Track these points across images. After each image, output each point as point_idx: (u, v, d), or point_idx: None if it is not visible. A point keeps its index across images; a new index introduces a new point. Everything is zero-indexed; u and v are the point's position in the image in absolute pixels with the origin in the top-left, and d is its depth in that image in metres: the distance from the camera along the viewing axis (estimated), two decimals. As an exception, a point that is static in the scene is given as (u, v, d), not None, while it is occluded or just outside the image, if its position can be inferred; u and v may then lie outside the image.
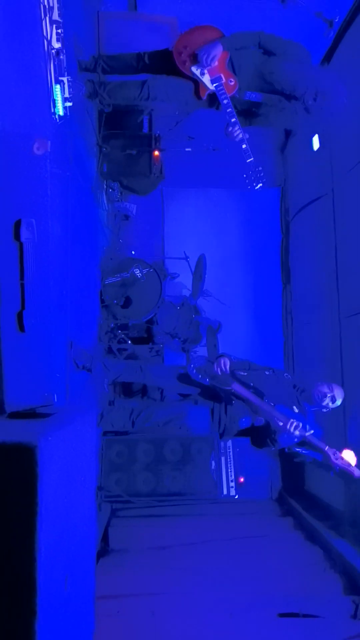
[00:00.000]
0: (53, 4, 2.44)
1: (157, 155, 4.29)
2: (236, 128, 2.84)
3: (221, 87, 2.89)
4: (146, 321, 4.36)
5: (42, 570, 1.23)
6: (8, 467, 1.25)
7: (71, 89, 2.64)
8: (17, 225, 1.73)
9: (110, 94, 3.19)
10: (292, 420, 2.76)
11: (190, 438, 4.20)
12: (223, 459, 4.30)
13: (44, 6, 2.39)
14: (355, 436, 3.67)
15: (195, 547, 3.64)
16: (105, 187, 4.45)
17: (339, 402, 2.96)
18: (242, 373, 3.07)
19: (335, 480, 3.72)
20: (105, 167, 4.19)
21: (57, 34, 2.49)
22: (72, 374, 3.04)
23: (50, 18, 2.43)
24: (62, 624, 1.42)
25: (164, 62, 3.05)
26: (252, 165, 2.88)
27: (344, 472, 2.75)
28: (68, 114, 2.68)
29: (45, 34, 2.43)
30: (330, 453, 2.73)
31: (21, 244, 1.73)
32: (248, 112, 3.13)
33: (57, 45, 2.51)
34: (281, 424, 2.80)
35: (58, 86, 2.57)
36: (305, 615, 2.88)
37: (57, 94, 2.58)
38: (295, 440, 2.79)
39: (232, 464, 4.29)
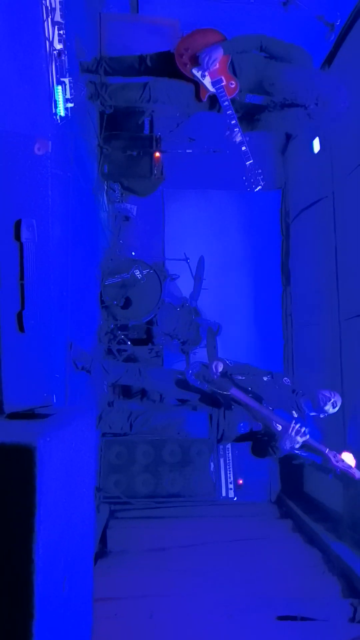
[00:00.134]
0: (55, 5, 2.44)
1: (157, 157, 4.30)
2: (236, 130, 2.85)
3: (222, 90, 2.90)
4: (146, 322, 4.36)
5: (40, 571, 1.22)
6: (6, 467, 1.24)
7: (72, 90, 2.65)
8: (18, 225, 1.73)
9: (111, 96, 3.20)
10: (291, 424, 2.76)
11: (189, 440, 4.20)
12: (222, 460, 4.29)
13: (46, 7, 2.40)
14: (354, 438, 3.66)
15: (193, 549, 3.63)
16: (105, 188, 4.46)
17: (337, 408, 2.98)
18: (241, 377, 3.07)
19: (334, 483, 3.72)
20: (106, 168, 4.19)
21: (59, 35, 2.49)
22: (72, 374, 3.04)
23: (52, 19, 2.43)
24: (59, 626, 1.42)
25: (165, 65, 3.06)
26: (252, 167, 2.88)
27: (344, 474, 2.74)
28: (69, 114, 2.68)
29: (47, 35, 2.44)
30: (331, 455, 2.73)
31: (21, 244, 1.73)
32: (250, 117, 3.14)
33: (58, 46, 2.51)
34: (280, 428, 2.79)
35: (59, 87, 2.57)
36: (303, 618, 2.87)
37: (58, 95, 2.58)
38: (296, 445, 2.78)
39: (231, 466, 4.29)
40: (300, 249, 5.16)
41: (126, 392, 4.66)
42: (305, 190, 4.95)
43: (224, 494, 4.24)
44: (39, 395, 1.94)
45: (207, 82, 2.93)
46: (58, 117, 2.63)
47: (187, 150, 4.44)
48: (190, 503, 4.19)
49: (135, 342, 4.37)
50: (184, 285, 4.99)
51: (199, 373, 3.14)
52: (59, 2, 2.45)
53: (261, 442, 2.99)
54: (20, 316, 1.79)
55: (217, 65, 2.89)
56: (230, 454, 4.31)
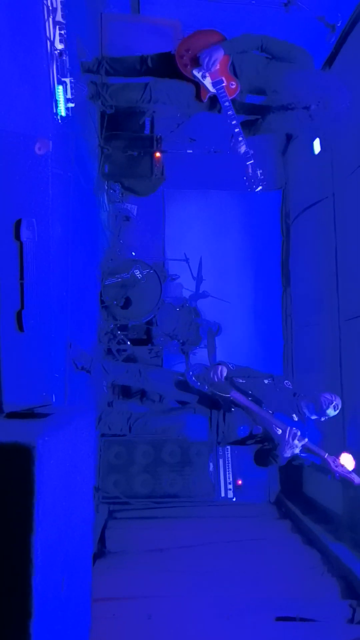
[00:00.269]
0: (56, 5, 2.44)
1: (158, 157, 4.30)
2: (236, 130, 2.85)
3: (222, 90, 2.90)
4: (146, 322, 4.36)
5: (39, 571, 1.22)
6: (5, 467, 1.24)
7: (73, 90, 2.65)
8: (18, 224, 1.73)
9: (112, 96, 3.20)
10: (291, 428, 2.75)
11: (189, 441, 4.19)
12: (221, 461, 4.29)
13: (48, 7, 2.40)
14: (353, 440, 3.66)
15: (192, 550, 3.63)
16: (106, 188, 4.46)
17: (338, 410, 2.98)
18: (241, 381, 3.06)
19: (333, 484, 3.71)
20: (107, 168, 4.19)
21: (60, 35, 2.49)
22: (71, 374, 3.04)
23: (53, 19, 2.43)
24: (58, 626, 1.41)
25: (166, 65, 3.06)
26: (253, 167, 2.88)
27: (344, 478, 2.74)
28: (70, 114, 2.68)
29: (48, 34, 2.44)
30: (330, 460, 2.72)
31: (21, 244, 1.73)
32: (251, 122, 3.14)
33: (60, 46, 2.51)
34: (280, 432, 2.79)
35: (60, 87, 2.58)
36: (302, 619, 2.87)
37: (59, 95, 2.58)
38: (295, 450, 2.78)
39: (230, 467, 4.29)
40: (301, 250, 5.16)
41: (126, 392, 4.66)
42: (305, 191, 4.95)
43: (223, 494, 4.23)
44: (38, 394, 1.94)
45: (207, 82, 2.93)
46: (59, 117, 2.63)
47: (188, 151, 4.44)
48: (189, 503, 4.19)
49: (135, 342, 4.37)
50: (184, 286, 4.99)
51: (200, 375, 3.13)
52: (60, 2, 2.45)
53: (263, 451, 2.99)
54: (19, 315, 1.79)
55: (218, 66, 2.89)
56: (229, 455, 4.31)
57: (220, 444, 3.22)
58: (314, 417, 3.01)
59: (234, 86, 2.92)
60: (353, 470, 2.91)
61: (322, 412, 2.95)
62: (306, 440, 2.75)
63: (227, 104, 2.90)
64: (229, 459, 4.30)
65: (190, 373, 3.15)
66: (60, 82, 2.57)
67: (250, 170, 2.88)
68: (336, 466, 2.71)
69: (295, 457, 2.94)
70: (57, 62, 2.54)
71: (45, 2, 2.38)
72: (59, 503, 1.42)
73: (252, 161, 2.87)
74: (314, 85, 2.86)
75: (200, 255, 4.63)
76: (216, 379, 3.00)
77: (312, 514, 4.10)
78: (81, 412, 1.90)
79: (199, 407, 3.22)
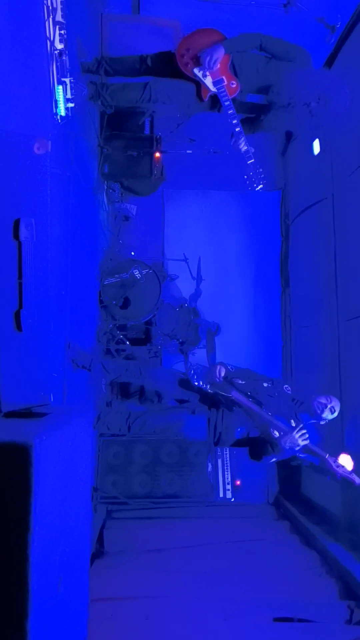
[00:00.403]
0: (56, 5, 2.45)
1: (158, 157, 4.30)
2: (237, 129, 2.85)
3: (223, 89, 2.91)
4: (145, 322, 4.36)
5: (35, 571, 1.22)
6: (2, 466, 1.24)
7: (73, 90, 2.65)
8: (16, 224, 1.73)
9: (112, 96, 3.20)
10: (292, 428, 2.75)
11: (187, 440, 4.19)
12: (220, 461, 4.29)
13: (48, 7, 2.40)
14: (352, 440, 3.66)
15: (191, 550, 3.63)
16: (105, 187, 4.46)
17: (336, 413, 2.96)
18: (241, 382, 3.06)
19: (331, 485, 3.72)
20: (106, 168, 4.20)
21: (60, 35, 2.49)
22: (70, 374, 3.04)
23: (53, 19, 2.44)
24: (54, 626, 1.41)
25: (166, 65, 3.06)
26: (253, 166, 2.88)
27: (344, 479, 2.74)
28: (70, 114, 2.68)
29: (48, 34, 2.44)
30: (331, 461, 2.72)
31: (20, 243, 1.73)
32: (250, 117, 3.14)
33: (60, 46, 2.51)
34: (277, 434, 2.78)
35: (60, 87, 2.58)
36: (300, 620, 2.87)
37: (59, 95, 2.58)
38: (296, 446, 2.77)
39: (228, 467, 4.29)
40: (300, 250, 5.16)
41: (124, 392, 4.66)
42: (305, 192, 4.96)
43: (221, 495, 4.23)
44: (36, 394, 1.94)
45: (208, 82, 2.93)
46: (58, 117, 2.64)
47: (187, 151, 4.45)
48: (187, 504, 4.19)
49: (134, 342, 4.37)
50: (183, 286, 4.99)
51: (201, 374, 3.14)
52: (60, 2, 2.45)
53: (259, 442, 2.98)
54: (18, 315, 1.79)
55: (218, 65, 2.89)
56: (228, 455, 4.31)
57: (218, 445, 3.22)
58: (312, 421, 2.99)
59: (234, 85, 2.92)
60: (352, 471, 2.91)
61: (317, 417, 2.93)
62: (308, 441, 2.75)
63: (227, 103, 2.90)
64: (228, 459, 4.30)
65: (192, 372, 3.16)
66: (60, 82, 2.57)
67: (250, 169, 2.88)
68: (337, 467, 2.71)
69: (294, 457, 2.94)
70: (57, 62, 2.54)
71: (45, 2, 2.38)
72: (56, 502, 1.42)
73: (252, 160, 2.87)
74: (313, 83, 2.87)
75: (199, 255, 4.63)
76: (215, 379, 3.01)
77: (311, 515, 4.10)
78: (79, 411, 1.90)
79: (199, 406, 3.22)
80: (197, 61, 2.90)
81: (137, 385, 4.35)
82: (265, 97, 2.99)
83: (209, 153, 4.37)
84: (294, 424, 2.92)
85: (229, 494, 4.25)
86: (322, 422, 3.00)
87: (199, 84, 2.98)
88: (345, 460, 2.84)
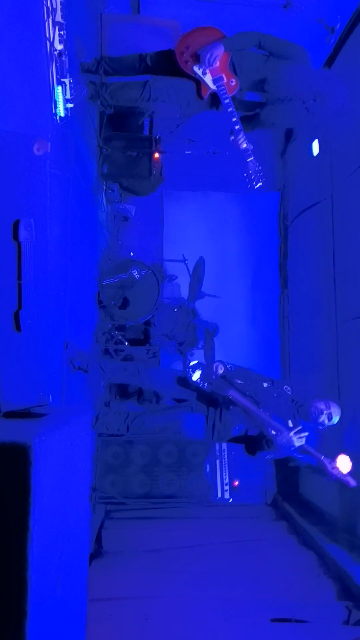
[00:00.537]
0: (56, 5, 2.45)
1: (157, 158, 4.30)
2: (237, 127, 2.86)
3: (222, 87, 2.91)
4: (143, 323, 4.36)
5: (35, 570, 1.22)
6: (2, 466, 1.24)
7: (73, 91, 2.65)
8: (16, 225, 1.73)
9: (112, 95, 3.20)
10: (285, 430, 2.74)
11: (186, 441, 4.20)
12: (218, 462, 4.29)
13: (47, 7, 2.40)
14: (350, 441, 3.67)
15: (189, 550, 3.63)
16: (105, 188, 4.46)
17: (335, 419, 2.93)
18: (240, 382, 3.06)
19: (329, 486, 3.72)
20: (106, 168, 4.20)
21: (59, 35, 2.49)
22: (68, 374, 3.04)
23: (53, 19, 2.44)
24: (53, 625, 1.41)
25: (165, 64, 3.06)
26: (253, 164, 2.89)
27: (340, 481, 2.74)
28: (69, 115, 2.68)
29: (48, 35, 2.44)
30: (327, 463, 2.71)
31: (19, 244, 1.73)
32: (249, 115, 3.15)
33: (59, 46, 2.51)
34: (274, 433, 2.78)
35: (60, 87, 2.58)
36: (298, 621, 2.87)
37: (58, 95, 2.58)
38: (292, 445, 2.77)
39: (227, 468, 4.29)
40: (299, 251, 5.17)
41: (123, 392, 4.66)
42: (303, 193, 4.97)
43: (219, 495, 4.24)
44: (35, 394, 1.94)
45: (208, 79, 2.94)
46: (58, 118, 2.64)
47: (187, 152, 4.45)
48: (185, 504, 4.19)
49: (133, 342, 4.37)
50: (183, 286, 5.00)
51: (199, 372, 3.13)
52: (60, 2, 2.45)
53: (256, 439, 2.98)
54: (17, 316, 1.79)
55: (218, 63, 2.90)
56: (226, 456, 4.31)
57: (218, 440, 3.21)
58: (310, 426, 2.98)
59: (233, 83, 2.93)
60: (349, 473, 2.91)
61: (313, 421, 2.92)
62: (304, 440, 2.74)
63: (227, 100, 2.90)
64: (226, 460, 4.30)
65: (190, 370, 3.15)
66: (59, 83, 2.57)
67: (250, 167, 2.89)
68: (333, 468, 2.71)
69: (291, 458, 2.94)
70: (56, 62, 2.54)
71: (45, 2, 2.38)
72: (55, 502, 1.42)
73: (252, 158, 2.88)
74: (312, 81, 2.89)
75: (199, 255, 4.63)
76: (213, 376, 3.00)
77: (309, 516, 4.11)
78: (78, 412, 1.90)
79: (197, 405, 3.22)
80: (197, 59, 2.91)
81: (136, 385, 4.36)
82: (263, 96, 3.00)
83: (208, 154, 4.37)
84: (291, 425, 2.92)
85: (227, 495, 4.25)
86: (320, 428, 2.97)
87: (198, 82, 2.98)
88: (344, 462, 2.84)
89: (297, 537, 3.92)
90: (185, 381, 3.20)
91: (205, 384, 3.08)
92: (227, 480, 4.26)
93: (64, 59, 2.55)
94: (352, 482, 2.68)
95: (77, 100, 2.76)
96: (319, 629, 2.84)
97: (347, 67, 4.00)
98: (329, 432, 3.66)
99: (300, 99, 2.90)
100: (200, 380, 3.08)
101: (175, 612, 2.87)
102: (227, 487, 4.26)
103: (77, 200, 3.25)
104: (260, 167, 2.90)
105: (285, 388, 3.13)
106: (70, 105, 2.68)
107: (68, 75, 2.60)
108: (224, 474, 4.28)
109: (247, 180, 2.91)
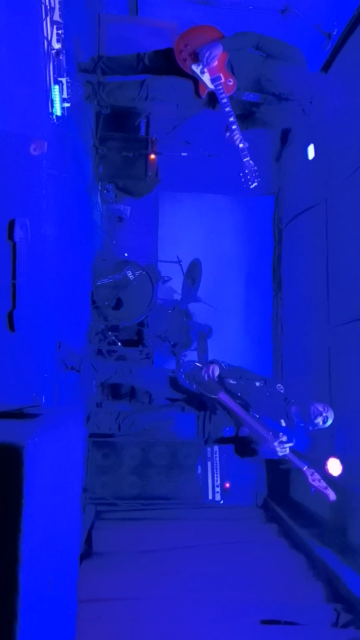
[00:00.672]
0: (54, 4, 2.44)
1: (153, 159, 4.31)
2: (234, 127, 2.88)
3: (220, 87, 2.92)
4: (137, 324, 4.36)
5: (25, 572, 1.22)
6: (-6, 467, 1.24)
7: (70, 90, 2.65)
8: (11, 224, 1.72)
9: (109, 95, 3.20)
10: (273, 437, 2.75)
11: (177, 442, 4.20)
12: (209, 464, 4.30)
13: (45, 6, 2.40)
14: (342, 446, 3.69)
15: (179, 552, 3.63)
16: (100, 188, 4.46)
17: (329, 423, 2.95)
18: (232, 382, 3.05)
19: (320, 488, 3.73)
20: (101, 169, 4.19)
21: (57, 34, 2.49)
22: (61, 375, 3.03)
23: (51, 18, 2.44)
24: (43, 628, 1.41)
25: (163, 63, 3.07)
26: (249, 163, 2.90)
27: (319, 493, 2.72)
28: (66, 114, 2.68)
29: (45, 34, 2.44)
30: (309, 474, 2.70)
31: (14, 244, 1.73)
32: (246, 115, 3.17)
33: (57, 45, 2.51)
34: (263, 438, 2.78)
35: (57, 87, 2.58)
36: (287, 623, 2.88)
37: (55, 95, 2.58)
38: (274, 456, 2.77)
39: (218, 470, 4.30)
40: (292, 255, 5.19)
41: (115, 393, 4.65)
42: (298, 197, 4.99)
43: (210, 497, 4.24)
44: (28, 395, 1.94)
45: (206, 78, 2.95)
46: (55, 117, 2.63)
47: (183, 153, 4.46)
48: (176, 506, 4.19)
49: (126, 343, 4.36)
50: (177, 288, 5.00)
51: (190, 373, 3.12)
52: (58, 1, 2.45)
53: (244, 441, 2.98)
54: (10, 315, 1.79)
55: (216, 62, 2.91)
56: (217, 458, 4.32)
57: (207, 443, 3.22)
58: (302, 425, 2.99)
59: (231, 83, 2.94)
60: (339, 476, 2.93)
61: (310, 422, 2.93)
62: (287, 451, 2.73)
63: (225, 100, 2.91)
64: (217, 462, 4.31)
65: (181, 371, 3.14)
66: (56, 82, 2.57)
67: (246, 167, 2.90)
68: (313, 480, 2.69)
69: (283, 461, 2.95)
70: (53, 61, 2.54)
71: (43, 1, 2.38)
72: (47, 503, 1.41)
73: (248, 158, 2.89)
74: (308, 82, 2.91)
75: (194, 257, 4.64)
76: (207, 378, 2.99)
77: (299, 518, 4.12)
78: (71, 412, 1.89)
79: (186, 406, 3.22)
80: (195, 57, 2.92)
81: (128, 386, 4.35)
82: (260, 96, 3.01)
83: (204, 156, 4.38)
84: (284, 424, 2.93)
85: (218, 496, 4.26)
86: (310, 428, 2.99)
87: (196, 81, 2.99)
88: (334, 465, 2.85)
89: (287, 539, 3.93)
90: (175, 382, 3.20)
91: (194, 385, 3.07)
92: (218, 482, 4.27)
93: (61, 58, 2.55)
94: (332, 496, 2.67)
95: (74, 99, 2.75)
96: (308, 631, 2.85)
97: (343, 72, 4.03)
98: (321, 436, 3.68)
99: (297, 100, 2.92)
100: (189, 382, 3.07)
101: (165, 614, 2.87)
102: (218, 489, 4.26)
103: (72, 201, 3.24)
104: (256, 167, 2.91)
105: (278, 387, 3.14)
106: (67, 105, 2.67)
107: (65, 75, 2.60)
108: (215, 475, 4.28)
109: (242, 179, 2.92)
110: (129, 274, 4.10)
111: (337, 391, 3.90)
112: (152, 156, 4.28)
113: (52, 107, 2.60)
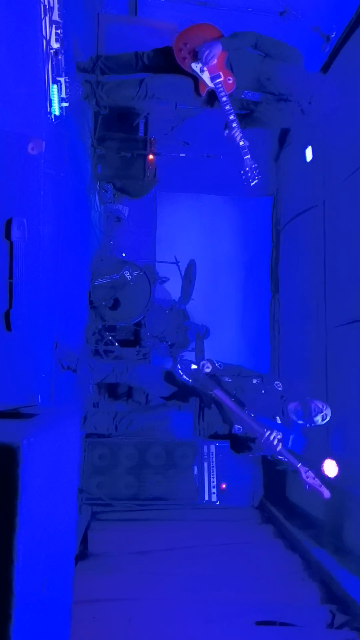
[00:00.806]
0: (53, 4, 2.44)
1: (151, 159, 4.31)
2: (234, 125, 2.88)
3: (220, 85, 2.93)
4: (134, 324, 4.36)
5: (20, 573, 1.21)
6: (-11, 467, 1.23)
7: (68, 90, 2.65)
8: (8, 224, 1.72)
9: (108, 94, 3.20)
10: (268, 432, 2.73)
11: (174, 443, 4.20)
12: (206, 464, 4.30)
13: (44, 6, 2.39)
14: (337, 447, 3.70)
15: (175, 553, 3.63)
16: (98, 188, 4.45)
17: (326, 421, 2.96)
18: (227, 379, 3.06)
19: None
20: (99, 169, 4.19)
21: (56, 34, 2.49)
22: (57, 374, 3.02)
23: (50, 18, 2.43)
24: (37, 629, 1.40)
25: (162, 62, 3.07)
26: (249, 161, 2.91)
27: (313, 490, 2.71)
28: (64, 114, 2.68)
29: (44, 33, 2.43)
30: (302, 471, 2.69)
31: (11, 243, 1.72)
32: (244, 114, 3.17)
33: (55, 45, 2.51)
34: (257, 435, 2.78)
35: (55, 86, 2.57)
36: (282, 624, 2.88)
37: (53, 94, 2.58)
38: (270, 450, 2.77)
39: (214, 470, 4.30)
40: (290, 257, 5.20)
41: (112, 393, 4.65)
42: (296, 198, 5.00)
43: (206, 498, 4.24)
44: (24, 394, 1.93)
45: (205, 77, 2.95)
46: (53, 117, 2.63)
47: (181, 154, 4.46)
48: (173, 506, 4.19)
49: (123, 343, 4.36)
50: (174, 288, 5.00)
51: (187, 370, 3.13)
52: (57, 1, 2.45)
53: (240, 438, 2.97)
54: (7, 315, 1.78)
55: (215, 61, 2.92)
56: (214, 458, 4.32)
57: (202, 437, 3.21)
58: (300, 422, 3.00)
59: (230, 81, 2.95)
60: (336, 476, 2.93)
61: (309, 419, 2.93)
62: (280, 446, 2.72)
63: (225, 99, 2.92)
64: (214, 462, 4.31)
65: (177, 366, 3.15)
66: (55, 82, 2.57)
67: (246, 164, 2.91)
68: (307, 477, 2.68)
69: (279, 461, 2.95)
70: (52, 61, 2.54)
71: (42, 0, 2.37)
72: (42, 504, 1.41)
73: (248, 155, 2.90)
74: (306, 82, 2.92)
75: (191, 258, 4.64)
76: (200, 373, 3.00)
77: (295, 519, 4.12)
78: (67, 413, 1.89)
79: (184, 402, 3.22)
80: (195, 56, 2.92)
81: (125, 385, 4.35)
82: (259, 95, 3.02)
83: (203, 157, 4.38)
84: (279, 421, 2.92)
85: (214, 497, 4.26)
86: (308, 425, 2.99)
87: (195, 80, 2.99)
88: (330, 466, 2.85)
89: (283, 540, 3.93)
90: (170, 377, 3.20)
91: (190, 380, 3.07)
92: (214, 483, 4.27)
93: (60, 57, 2.55)
94: (326, 494, 2.66)
95: (72, 99, 2.75)
96: (303, 632, 2.85)
97: (341, 75, 4.04)
98: (316, 437, 3.69)
99: (296, 100, 2.94)
100: (184, 375, 3.08)
101: (160, 615, 2.86)
102: (214, 490, 4.26)
103: (70, 200, 3.23)
104: (256, 165, 2.92)
105: (276, 384, 3.13)
106: (65, 105, 2.67)
107: (64, 74, 2.59)
108: (211, 476, 4.28)
109: (243, 177, 2.93)
110: (127, 274, 4.10)
111: (333, 392, 3.90)
112: (151, 156, 4.29)
113: (51, 106, 2.60)
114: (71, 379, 3.29)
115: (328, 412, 2.93)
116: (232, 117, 2.90)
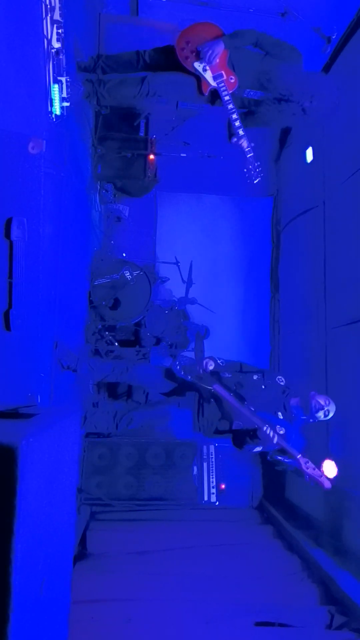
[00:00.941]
0: (54, 3, 2.44)
1: (152, 159, 4.31)
2: (237, 124, 2.89)
3: (222, 84, 2.93)
4: (134, 324, 4.36)
5: (18, 574, 1.21)
6: (-12, 467, 1.23)
7: (69, 89, 2.65)
8: (8, 223, 1.72)
9: (109, 92, 3.20)
10: (267, 426, 2.73)
11: (173, 443, 4.20)
12: (205, 465, 4.29)
13: (46, 5, 2.39)
14: (336, 446, 3.69)
15: (174, 553, 3.62)
16: (98, 188, 4.45)
17: (330, 416, 2.94)
18: (227, 375, 3.05)
19: (315, 490, 3.73)
20: (100, 168, 4.19)
21: (57, 33, 2.49)
22: (57, 374, 3.02)
23: (51, 17, 2.43)
24: (35, 629, 1.40)
25: (163, 60, 3.08)
26: (252, 159, 2.92)
27: (313, 481, 2.71)
28: (65, 113, 2.68)
29: (45, 33, 2.43)
30: (302, 462, 2.68)
31: (11, 243, 1.72)
32: (246, 113, 3.18)
33: (57, 45, 2.51)
34: (258, 428, 2.77)
35: (56, 86, 2.57)
36: (281, 625, 2.88)
37: (54, 94, 2.57)
38: (271, 444, 2.76)
39: (214, 471, 4.29)
40: (290, 257, 5.20)
41: (112, 392, 4.64)
42: (296, 199, 5.00)
43: (206, 498, 4.24)
44: (24, 394, 1.93)
45: (208, 76, 2.95)
46: (53, 116, 2.62)
47: (182, 154, 4.46)
48: (172, 506, 4.19)
49: (123, 343, 4.36)
50: (174, 288, 5.00)
51: (186, 366, 3.13)
52: (59, 0, 2.45)
53: (241, 432, 2.96)
54: (7, 315, 1.78)
55: (218, 60, 2.92)
56: (213, 458, 4.31)
57: (202, 432, 3.21)
58: (302, 417, 2.98)
59: (233, 80, 2.96)
60: (335, 477, 2.92)
61: (310, 415, 2.91)
62: (276, 438, 2.70)
63: (227, 97, 2.93)
64: (213, 462, 4.30)
65: (177, 363, 3.15)
66: (56, 81, 2.57)
67: (249, 162, 2.91)
68: (307, 468, 2.68)
69: (278, 461, 2.94)
70: (53, 60, 2.53)
71: (43, 0, 2.37)
72: (41, 504, 1.41)
73: (252, 154, 2.91)
74: (307, 81, 2.93)
75: (191, 259, 4.64)
76: (201, 371, 3.00)
77: (294, 520, 4.12)
78: (66, 413, 1.89)
79: (183, 399, 3.21)
80: (197, 55, 2.93)
81: (125, 384, 4.35)
82: (262, 93, 3.02)
83: (203, 157, 4.38)
84: (281, 416, 2.91)
85: (213, 498, 4.26)
86: (310, 421, 2.97)
87: (198, 78, 2.99)
88: (329, 467, 2.84)
89: (282, 541, 3.93)
90: (170, 374, 3.20)
91: (189, 376, 3.07)
92: (214, 483, 4.27)
93: (61, 57, 2.55)
94: (327, 484, 2.66)
95: (73, 99, 2.75)
96: (302, 633, 2.85)
97: (342, 76, 4.04)
98: (316, 437, 3.69)
99: (297, 100, 2.94)
100: (184, 373, 3.08)
101: (158, 615, 2.86)
102: (213, 490, 4.26)
103: (70, 200, 3.23)
104: (258, 163, 2.93)
105: (279, 379, 3.11)
106: (66, 104, 2.67)
107: (65, 74, 2.59)
108: (210, 476, 4.28)
109: (246, 174, 2.94)
110: (127, 274, 4.09)
111: (333, 393, 3.89)
112: (151, 156, 4.29)
113: (52, 106, 2.59)
114: (71, 378, 3.29)
115: (332, 407, 2.91)
116: (234, 115, 2.91)
